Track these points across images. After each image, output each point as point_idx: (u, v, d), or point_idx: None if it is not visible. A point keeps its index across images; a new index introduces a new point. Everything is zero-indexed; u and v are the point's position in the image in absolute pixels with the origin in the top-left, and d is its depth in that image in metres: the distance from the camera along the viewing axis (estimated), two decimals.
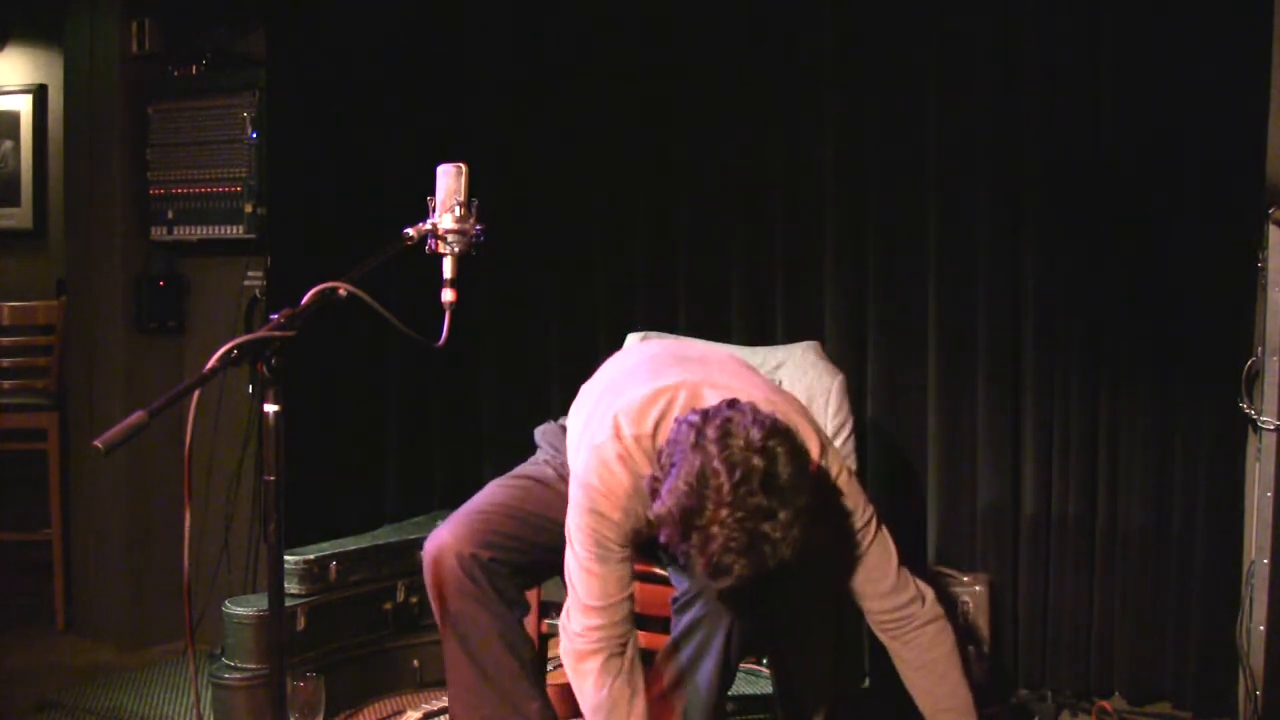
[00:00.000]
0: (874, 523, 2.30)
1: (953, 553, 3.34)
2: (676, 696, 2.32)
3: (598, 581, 2.21)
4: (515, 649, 2.46)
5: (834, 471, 2.26)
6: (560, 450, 2.62)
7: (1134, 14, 3.08)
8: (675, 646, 2.32)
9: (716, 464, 1.94)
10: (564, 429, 2.60)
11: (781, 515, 1.94)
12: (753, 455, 1.95)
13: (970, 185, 3.28)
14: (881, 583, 2.30)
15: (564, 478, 2.56)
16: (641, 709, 2.24)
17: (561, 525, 2.30)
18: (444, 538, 2.43)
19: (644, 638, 2.55)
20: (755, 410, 2.04)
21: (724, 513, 1.92)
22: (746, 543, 1.93)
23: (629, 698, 2.22)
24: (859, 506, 2.28)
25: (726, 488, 1.92)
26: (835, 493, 2.26)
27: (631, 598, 2.25)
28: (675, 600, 2.33)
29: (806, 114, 3.47)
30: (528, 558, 2.48)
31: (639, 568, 2.55)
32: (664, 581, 2.49)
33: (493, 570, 2.42)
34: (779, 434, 2.01)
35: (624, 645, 2.24)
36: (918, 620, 2.31)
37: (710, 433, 1.98)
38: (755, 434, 1.98)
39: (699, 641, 2.27)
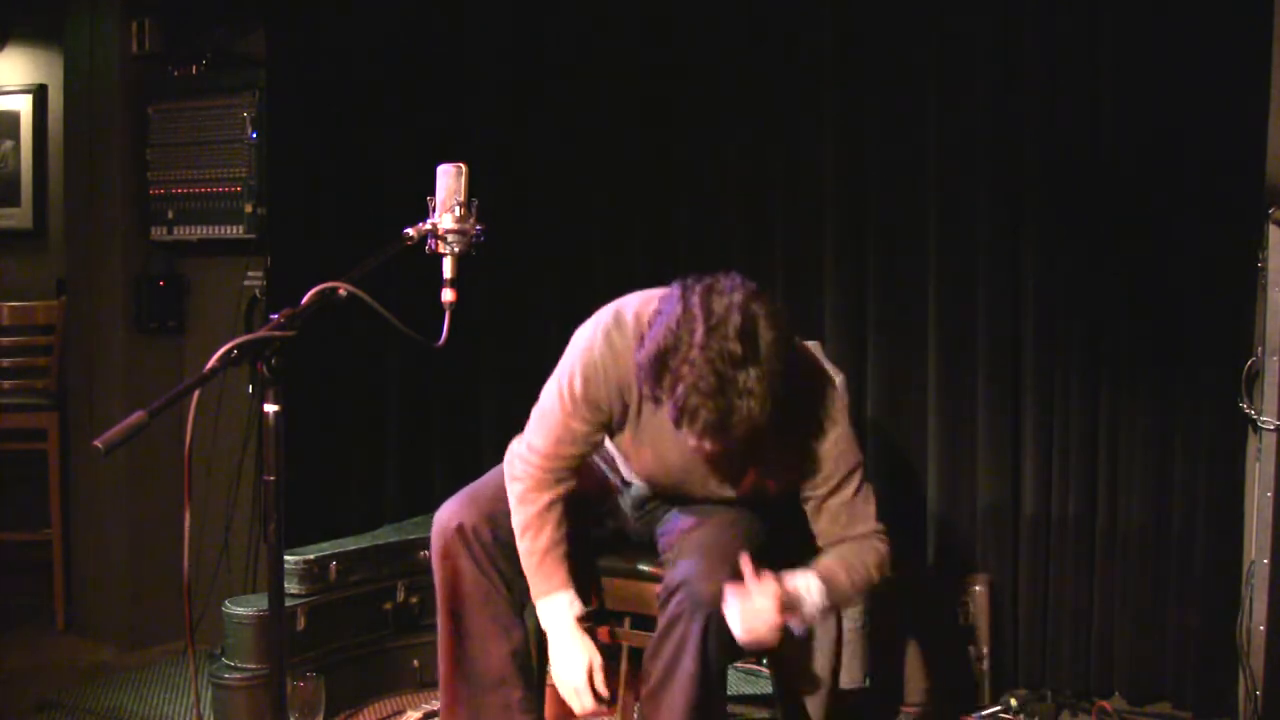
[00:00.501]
0: (861, 471, 2.34)
1: (953, 553, 3.34)
2: (662, 696, 2.29)
3: (546, 429, 2.36)
4: (508, 633, 2.46)
5: (834, 400, 2.30)
6: None
7: (1134, 14, 3.08)
8: (657, 646, 2.30)
9: (696, 311, 2.03)
10: None
11: (753, 370, 2.00)
12: (733, 310, 2.03)
13: (970, 185, 3.28)
14: (858, 526, 2.33)
15: None
16: (548, 542, 2.36)
17: (571, 508, 2.43)
18: (453, 509, 2.46)
19: (644, 639, 2.55)
20: (745, 281, 2.11)
21: (695, 353, 2.00)
22: (715, 385, 1.99)
23: (538, 528, 2.37)
24: (851, 449, 2.32)
25: (701, 331, 2.01)
26: (827, 413, 2.28)
27: (574, 458, 2.37)
28: (659, 596, 2.32)
29: (806, 114, 3.47)
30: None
31: (633, 566, 2.55)
32: (660, 581, 2.49)
33: (494, 551, 2.44)
34: (764, 301, 2.08)
35: (545, 486, 2.37)
36: (871, 542, 2.33)
37: (697, 289, 2.08)
38: (739, 295, 2.06)
39: (678, 638, 2.25)
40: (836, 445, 2.29)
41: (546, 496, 2.38)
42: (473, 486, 2.53)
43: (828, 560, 2.31)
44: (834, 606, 2.30)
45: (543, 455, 2.36)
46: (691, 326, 2.02)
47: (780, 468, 2.34)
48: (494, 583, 2.45)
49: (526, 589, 2.47)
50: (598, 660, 2.38)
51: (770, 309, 2.08)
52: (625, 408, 2.34)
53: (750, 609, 2.14)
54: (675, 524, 2.46)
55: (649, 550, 2.56)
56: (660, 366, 2.05)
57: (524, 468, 2.39)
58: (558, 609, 2.39)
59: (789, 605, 2.18)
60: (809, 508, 2.35)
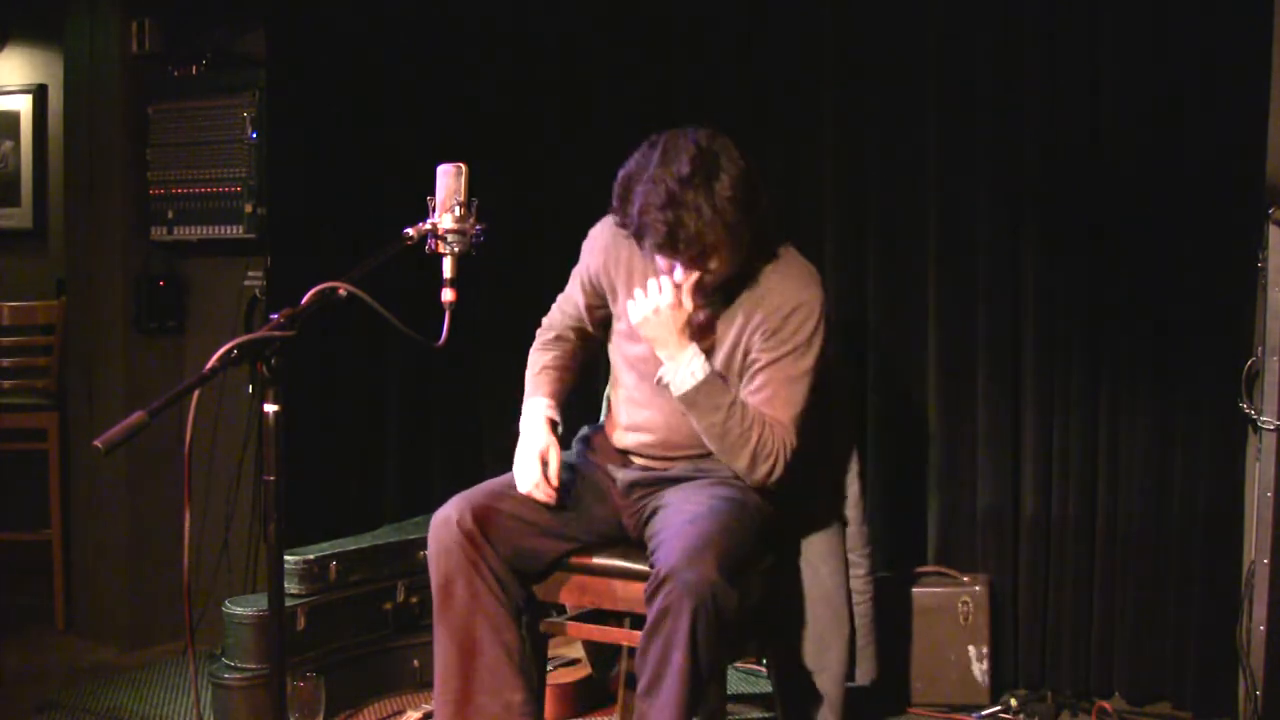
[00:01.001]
0: (811, 367, 2.44)
1: (953, 553, 3.34)
2: (655, 694, 2.26)
3: (564, 294, 2.75)
4: (500, 633, 2.46)
5: (810, 281, 2.47)
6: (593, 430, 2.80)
7: (1134, 14, 3.08)
8: (646, 642, 2.28)
9: (660, 144, 2.36)
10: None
11: (703, 192, 2.27)
12: (690, 143, 2.32)
13: (970, 185, 3.28)
14: (776, 408, 2.42)
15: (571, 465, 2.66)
16: (548, 361, 2.70)
17: (572, 510, 2.55)
18: (449, 510, 2.48)
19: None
20: (717, 130, 2.38)
21: (654, 171, 2.32)
22: (665, 199, 2.28)
23: (543, 350, 2.74)
24: (813, 335, 2.44)
25: (658, 155, 2.34)
26: (802, 285, 2.46)
27: (577, 320, 2.70)
28: (646, 590, 2.30)
29: (806, 114, 3.47)
30: (529, 542, 2.51)
31: (631, 565, 2.55)
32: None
33: (489, 552, 2.45)
34: (727, 143, 2.34)
35: (555, 326, 2.75)
36: (775, 427, 2.42)
37: (667, 132, 2.39)
38: (702, 134, 2.35)
39: (667, 632, 2.23)
40: (799, 317, 2.44)
41: (555, 332, 2.74)
42: (470, 490, 2.54)
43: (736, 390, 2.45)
44: (696, 406, 2.40)
45: (558, 306, 2.77)
46: (652, 155, 2.35)
47: (747, 335, 2.46)
48: (488, 583, 2.45)
49: (521, 591, 2.49)
50: (555, 453, 2.55)
51: (732, 149, 2.33)
52: (614, 287, 2.58)
53: (655, 293, 2.39)
54: (664, 524, 2.46)
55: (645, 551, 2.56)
56: (625, 190, 2.37)
57: (547, 317, 2.80)
58: (535, 407, 2.64)
59: (669, 329, 2.37)
60: (748, 374, 2.47)
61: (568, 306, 2.73)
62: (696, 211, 2.27)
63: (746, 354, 2.47)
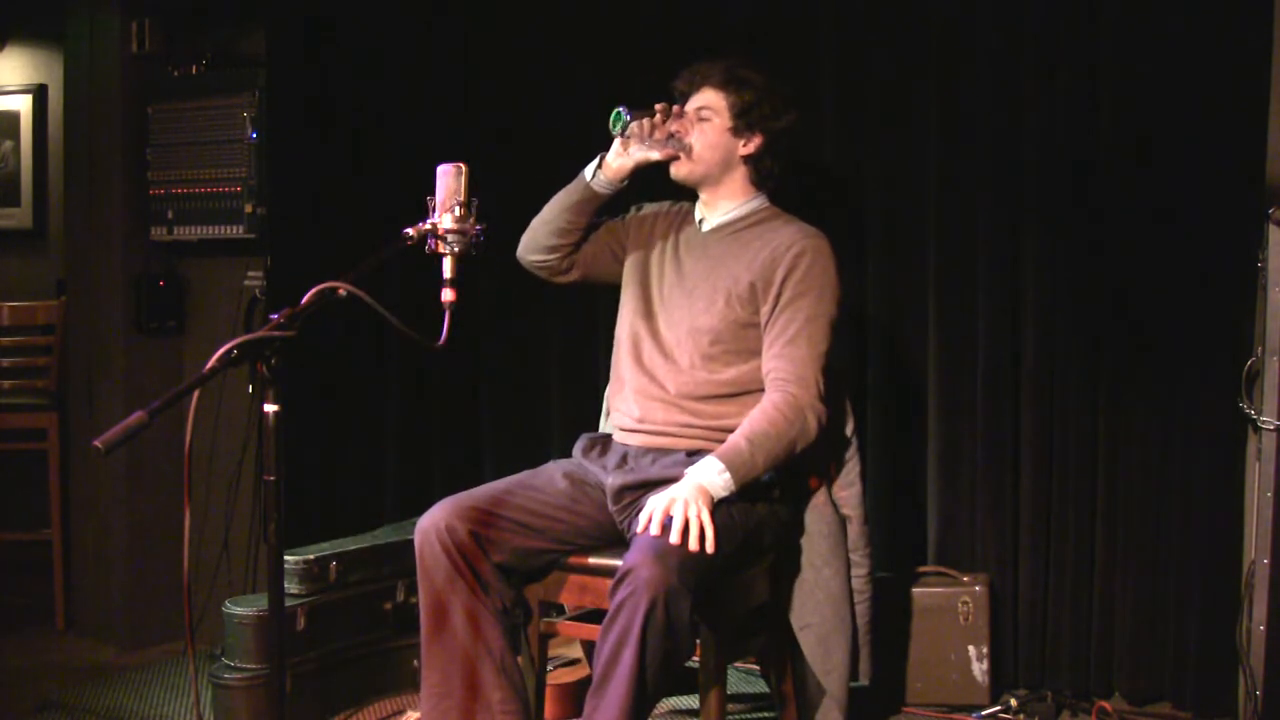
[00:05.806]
0: (822, 311, 2.58)
1: (953, 553, 3.34)
2: (603, 692, 2.24)
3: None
4: (483, 632, 2.47)
5: (813, 233, 2.65)
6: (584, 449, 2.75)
7: (1134, 13, 3.08)
8: (601, 638, 2.26)
9: None
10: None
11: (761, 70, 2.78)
12: None
13: (970, 185, 3.28)
14: (786, 359, 2.53)
15: (569, 474, 2.64)
16: None
17: (559, 513, 2.54)
18: (434, 513, 2.51)
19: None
20: None
21: None
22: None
23: None
24: (820, 278, 2.59)
25: None
26: (800, 231, 2.66)
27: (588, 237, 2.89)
28: (610, 587, 2.29)
29: (807, 114, 3.46)
30: (525, 544, 2.51)
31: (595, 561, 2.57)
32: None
33: (473, 552, 2.46)
34: None
35: None
36: (785, 391, 2.51)
37: None
38: None
39: (620, 629, 2.21)
40: (809, 258, 2.58)
41: None
42: (457, 494, 2.55)
43: (734, 435, 2.46)
44: (745, 478, 2.41)
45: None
46: None
47: (758, 269, 2.60)
48: (471, 584, 2.46)
49: (510, 592, 2.51)
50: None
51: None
52: (631, 242, 2.87)
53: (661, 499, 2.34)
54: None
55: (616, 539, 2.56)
56: None
57: None
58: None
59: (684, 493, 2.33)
60: (771, 321, 2.58)
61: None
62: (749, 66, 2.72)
63: (754, 286, 2.60)
